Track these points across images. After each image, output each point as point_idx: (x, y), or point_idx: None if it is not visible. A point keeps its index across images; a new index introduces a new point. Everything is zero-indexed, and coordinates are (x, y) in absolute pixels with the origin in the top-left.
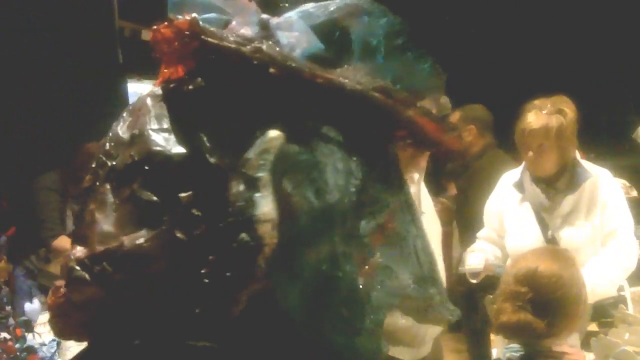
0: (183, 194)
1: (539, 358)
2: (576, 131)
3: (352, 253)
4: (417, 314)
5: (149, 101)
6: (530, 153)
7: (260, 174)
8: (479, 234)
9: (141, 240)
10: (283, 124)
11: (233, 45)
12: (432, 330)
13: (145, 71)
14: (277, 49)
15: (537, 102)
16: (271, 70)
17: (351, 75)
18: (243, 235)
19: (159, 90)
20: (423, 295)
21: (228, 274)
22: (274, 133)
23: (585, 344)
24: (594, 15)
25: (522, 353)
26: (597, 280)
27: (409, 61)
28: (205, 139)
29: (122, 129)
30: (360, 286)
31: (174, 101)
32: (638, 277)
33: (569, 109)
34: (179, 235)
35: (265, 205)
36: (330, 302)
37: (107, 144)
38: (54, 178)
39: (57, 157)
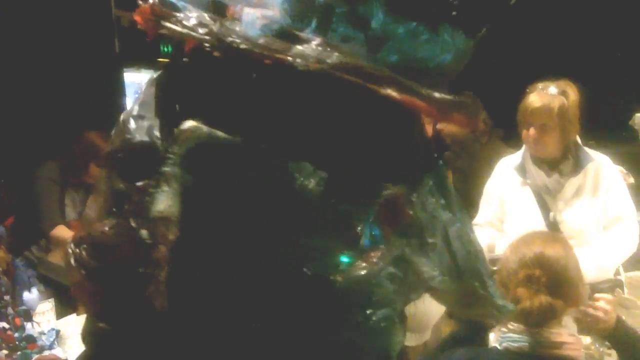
0: (140, 183)
1: (540, 349)
2: (578, 115)
3: (332, 246)
4: (459, 307)
5: (144, 86)
6: (532, 131)
7: (164, 169)
8: (477, 220)
9: (106, 228)
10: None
11: (184, 30)
12: (434, 316)
13: (145, 60)
14: (237, 28)
15: (540, 84)
16: (215, 53)
17: (314, 52)
18: (143, 232)
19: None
20: (455, 287)
21: (140, 269)
22: (187, 124)
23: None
24: (592, 4)
25: (521, 343)
26: (601, 261)
27: (415, 32)
28: (159, 128)
29: (122, 115)
30: (359, 281)
31: (157, 87)
32: (633, 263)
33: (572, 91)
34: (132, 223)
35: (162, 203)
36: (312, 301)
37: (113, 130)
38: (52, 168)
39: (55, 147)
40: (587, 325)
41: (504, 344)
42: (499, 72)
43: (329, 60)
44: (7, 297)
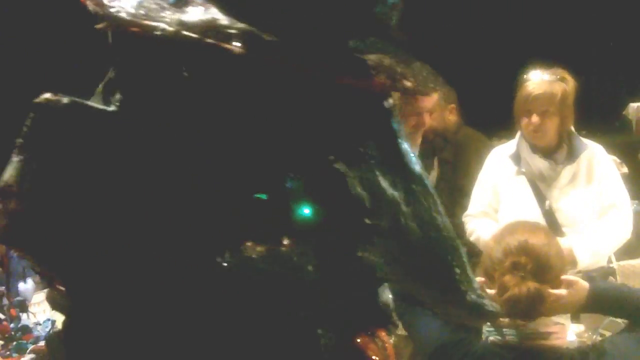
0: None
1: (527, 341)
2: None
3: (246, 234)
4: (435, 305)
5: None
6: (535, 118)
7: (18, 139)
8: (471, 211)
9: None
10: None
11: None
12: None
13: None
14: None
15: (537, 71)
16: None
17: (188, 17)
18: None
19: None
20: (412, 279)
21: None
22: (42, 96)
23: (575, 316)
24: None
25: (508, 336)
26: (596, 248)
27: None
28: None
29: None
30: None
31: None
32: (625, 251)
33: (570, 78)
34: None
35: (7, 172)
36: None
37: None
38: None
39: None
40: (553, 305)
41: (491, 338)
42: (489, 59)
43: (188, 25)
44: (2, 288)
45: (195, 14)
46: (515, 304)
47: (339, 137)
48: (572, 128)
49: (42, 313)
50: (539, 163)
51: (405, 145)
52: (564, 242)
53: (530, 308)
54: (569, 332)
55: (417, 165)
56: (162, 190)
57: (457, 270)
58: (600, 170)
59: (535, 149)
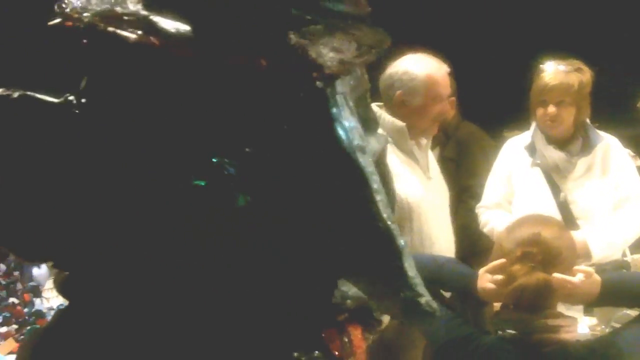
0: None
1: (535, 334)
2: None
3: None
4: (372, 300)
5: None
6: (551, 108)
7: None
8: (484, 202)
9: None
10: None
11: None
12: None
13: None
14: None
15: (551, 61)
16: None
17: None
18: None
19: None
20: (358, 283)
21: None
22: None
23: (588, 309)
24: None
25: (516, 330)
26: (612, 239)
27: None
28: None
29: None
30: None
31: None
32: (638, 245)
33: (586, 68)
34: None
35: None
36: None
37: None
38: None
39: None
40: (567, 294)
41: (499, 332)
42: (497, 51)
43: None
44: (16, 273)
45: (110, 3)
46: (522, 293)
47: (265, 123)
48: (588, 120)
49: (55, 298)
50: (554, 154)
51: (342, 132)
52: (578, 235)
53: (538, 299)
54: (581, 325)
55: (356, 152)
56: (100, 178)
57: (391, 264)
58: (615, 163)
59: (550, 140)
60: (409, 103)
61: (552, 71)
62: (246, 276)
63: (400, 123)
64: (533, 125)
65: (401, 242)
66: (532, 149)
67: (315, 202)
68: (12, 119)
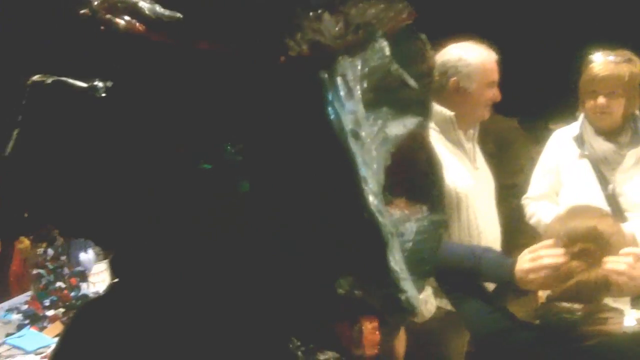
0: None
1: (583, 326)
2: None
3: None
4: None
5: None
6: (601, 99)
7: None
8: (530, 194)
9: None
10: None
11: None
12: None
13: None
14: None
15: (601, 52)
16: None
17: None
18: None
19: None
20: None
21: None
22: (32, 78)
23: (636, 302)
24: None
25: (564, 322)
26: None
27: None
28: None
29: None
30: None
31: None
32: None
33: (636, 59)
34: None
35: (9, 144)
36: None
37: None
38: None
39: None
40: (620, 286)
41: (543, 323)
42: (517, 49)
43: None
44: (63, 258)
45: None
46: (582, 289)
47: (259, 110)
48: (637, 111)
49: (101, 283)
50: (603, 146)
51: (334, 116)
52: (627, 227)
53: (595, 294)
54: (629, 317)
55: (348, 138)
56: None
57: (376, 259)
58: None
59: (599, 131)
60: (465, 89)
61: (602, 62)
62: (245, 264)
63: (449, 112)
64: (581, 116)
65: (388, 234)
66: (580, 140)
67: (310, 189)
68: (48, 102)
